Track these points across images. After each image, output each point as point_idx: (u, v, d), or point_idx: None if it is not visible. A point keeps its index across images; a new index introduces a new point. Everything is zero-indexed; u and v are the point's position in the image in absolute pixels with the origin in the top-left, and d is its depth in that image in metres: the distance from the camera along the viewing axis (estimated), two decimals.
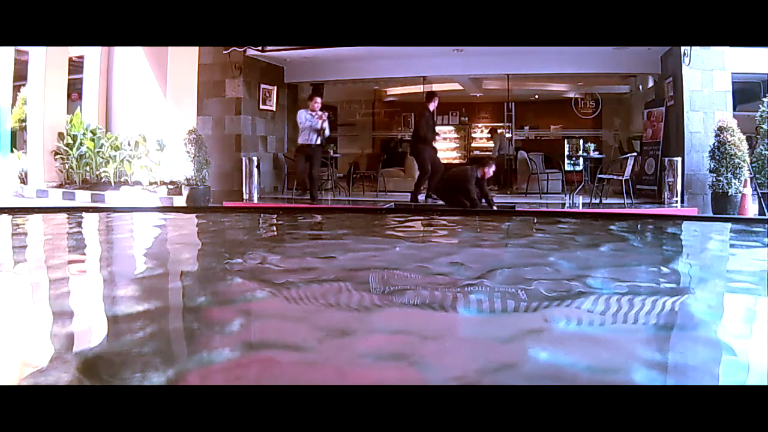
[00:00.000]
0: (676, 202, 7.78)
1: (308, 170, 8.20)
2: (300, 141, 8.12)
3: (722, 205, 7.34)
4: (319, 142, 8.11)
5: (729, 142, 7.22)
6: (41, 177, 10.96)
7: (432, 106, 8.17)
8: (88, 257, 1.20)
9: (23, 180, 11.37)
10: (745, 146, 7.28)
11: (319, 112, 8.05)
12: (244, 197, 8.92)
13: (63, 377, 0.47)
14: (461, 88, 11.73)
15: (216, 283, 0.90)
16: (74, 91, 11.80)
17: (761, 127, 7.47)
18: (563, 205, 8.53)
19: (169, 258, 1.21)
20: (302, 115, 8.03)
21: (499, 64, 9.40)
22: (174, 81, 10.28)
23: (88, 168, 10.83)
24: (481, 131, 13.45)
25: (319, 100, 8.14)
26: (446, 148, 11.80)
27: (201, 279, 0.96)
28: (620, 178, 7.94)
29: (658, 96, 9.04)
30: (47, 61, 10.79)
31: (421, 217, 2.01)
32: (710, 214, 7.00)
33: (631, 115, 11.02)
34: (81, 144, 10.75)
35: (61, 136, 10.80)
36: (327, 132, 8.10)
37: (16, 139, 13.07)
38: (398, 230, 1.70)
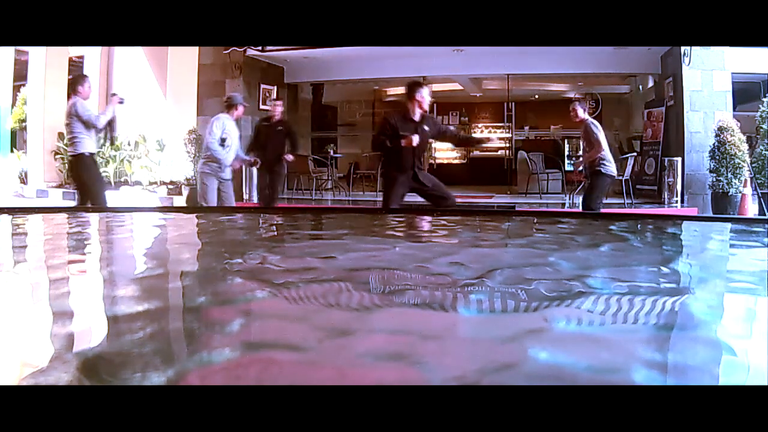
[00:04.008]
0: (676, 202, 7.77)
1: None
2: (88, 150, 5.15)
3: (722, 205, 7.34)
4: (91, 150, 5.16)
5: (729, 142, 7.21)
6: (41, 177, 10.94)
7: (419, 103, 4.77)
8: (88, 257, 1.20)
9: (23, 180, 11.36)
10: (745, 146, 7.28)
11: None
12: (244, 197, 8.91)
13: (63, 377, 0.47)
14: (461, 88, 11.71)
15: (216, 283, 0.90)
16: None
17: (761, 127, 7.46)
18: (563, 205, 8.52)
19: (169, 258, 1.21)
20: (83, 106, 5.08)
21: (499, 64, 9.37)
22: (174, 81, 10.27)
23: None
24: (481, 131, 13.48)
25: (88, 81, 5.17)
26: (446, 148, 11.78)
27: (201, 279, 0.96)
28: (620, 178, 7.93)
29: (658, 96, 9.03)
30: (47, 61, 10.78)
31: (421, 217, 2.01)
32: (710, 214, 6.99)
33: (631, 115, 11.01)
34: None
35: (61, 136, 10.77)
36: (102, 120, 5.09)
37: (16, 139, 13.05)
38: (398, 230, 1.71)
